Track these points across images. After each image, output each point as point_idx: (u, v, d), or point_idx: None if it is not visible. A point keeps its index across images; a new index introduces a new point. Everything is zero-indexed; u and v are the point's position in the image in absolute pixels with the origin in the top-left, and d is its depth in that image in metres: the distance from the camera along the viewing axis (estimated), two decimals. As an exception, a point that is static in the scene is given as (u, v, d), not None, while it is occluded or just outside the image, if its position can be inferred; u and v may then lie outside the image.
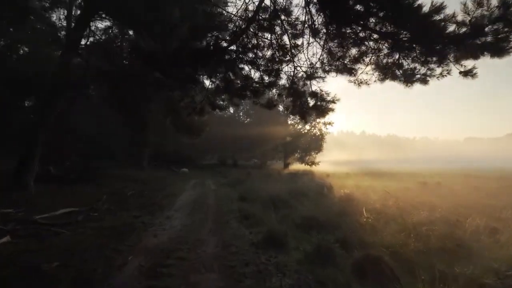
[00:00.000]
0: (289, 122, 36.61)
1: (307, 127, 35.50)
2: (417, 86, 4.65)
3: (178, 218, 6.65)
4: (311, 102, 5.69)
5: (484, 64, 4.72)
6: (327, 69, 5.23)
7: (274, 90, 5.98)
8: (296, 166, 37.00)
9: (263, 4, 5.01)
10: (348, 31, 4.48)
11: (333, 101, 5.43)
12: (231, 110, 43.15)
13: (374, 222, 5.60)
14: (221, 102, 6.26)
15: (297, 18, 5.12)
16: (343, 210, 6.81)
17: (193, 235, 5.26)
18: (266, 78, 5.88)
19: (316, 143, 34.53)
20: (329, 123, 35.52)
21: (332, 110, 5.45)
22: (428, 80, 4.44)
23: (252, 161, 41.38)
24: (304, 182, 14.49)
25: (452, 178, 21.80)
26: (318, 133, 34.62)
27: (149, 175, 17.34)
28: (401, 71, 4.47)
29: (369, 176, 25.66)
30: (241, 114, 42.51)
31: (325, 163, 40.86)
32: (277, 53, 5.51)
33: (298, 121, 36.25)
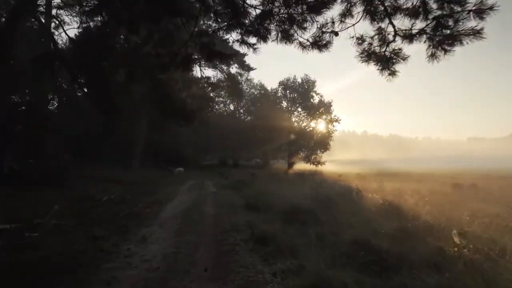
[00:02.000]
0: (293, 119, 34.38)
1: (313, 124, 33.34)
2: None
3: (159, 241, 4.47)
4: (420, 23, 3.03)
5: (488, 62, 2.57)
6: None
7: (326, 15, 3.18)
8: (301, 166, 34.79)
9: None
10: None
11: (479, 13, 2.82)
12: (231, 107, 41.07)
13: (482, 255, 3.41)
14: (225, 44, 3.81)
15: None
16: (404, 229, 4.62)
17: (177, 280, 3.07)
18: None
19: (322, 142, 32.28)
20: (336, 120, 33.31)
21: (479, 33, 2.86)
22: None
23: (254, 161, 39.14)
24: (318, 183, 12.29)
25: (480, 179, 19.61)
26: (325, 130, 32.35)
27: (139, 176, 15.17)
28: None
29: (384, 177, 23.51)
30: (241, 111, 40.27)
31: (330, 163, 38.59)
32: None
33: (303, 118, 34.06)
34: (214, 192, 10.32)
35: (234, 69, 18.99)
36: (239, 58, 16.99)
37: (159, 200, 8.28)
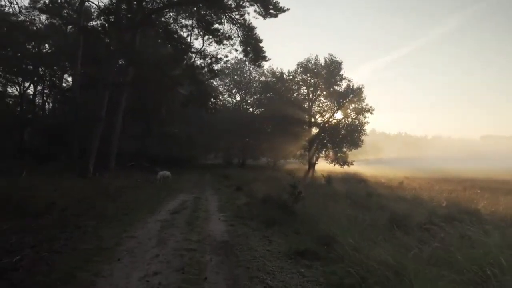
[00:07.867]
0: (315, 109, 27.74)
1: (340, 115, 26.65)
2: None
3: None
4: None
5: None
6: None
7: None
8: (321, 166, 28.49)
9: None
10: None
11: None
12: (237, 97, 34.68)
13: None
14: None
15: None
16: None
17: None
18: None
19: (352, 136, 25.69)
20: (369, 110, 26.65)
21: None
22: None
23: (266, 160, 32.82)
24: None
25: None
26: (357, 122, 25.74)
27: (91, 187, 8.88)
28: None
29: (453, 183, 17.16)
30: (249, 101, 33.83)
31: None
32: None
33: (327, 107, 27.50)
34: (225, 242, 4.02)
35: (251, 13, 11.70)
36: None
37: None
